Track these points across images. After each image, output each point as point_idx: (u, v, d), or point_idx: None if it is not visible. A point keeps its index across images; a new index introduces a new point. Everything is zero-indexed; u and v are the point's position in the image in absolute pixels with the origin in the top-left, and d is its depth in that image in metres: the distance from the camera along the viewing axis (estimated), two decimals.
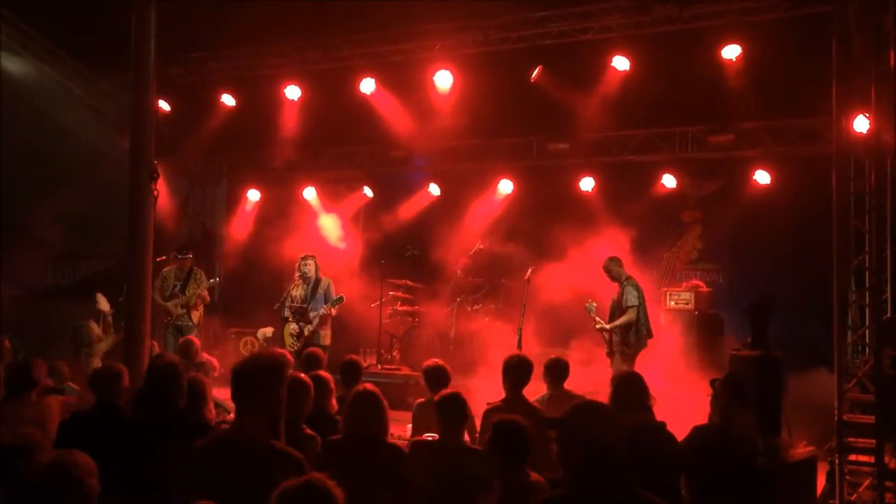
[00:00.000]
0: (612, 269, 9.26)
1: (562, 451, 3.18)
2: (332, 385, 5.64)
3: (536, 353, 9.64)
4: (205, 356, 8.64)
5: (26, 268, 11.88)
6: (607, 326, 9.01)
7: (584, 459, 3.07)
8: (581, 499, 3.12)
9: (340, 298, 9.77)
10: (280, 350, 7.38)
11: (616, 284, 9.24)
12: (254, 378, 3.41)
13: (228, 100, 11.72)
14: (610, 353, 9.09)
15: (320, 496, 2.63)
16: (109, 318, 9.26)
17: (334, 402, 5.66)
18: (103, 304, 9.30)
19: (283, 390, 3.48)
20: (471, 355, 10.22)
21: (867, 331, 7.66)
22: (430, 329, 11.31)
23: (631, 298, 9.05)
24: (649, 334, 9.02)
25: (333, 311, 9.79)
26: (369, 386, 4.82)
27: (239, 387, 3.42)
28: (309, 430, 4.89)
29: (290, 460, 3.32)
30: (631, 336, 9.01)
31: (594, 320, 9.13)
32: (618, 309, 9.12)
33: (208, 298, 10.55)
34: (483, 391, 7.12)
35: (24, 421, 4.76)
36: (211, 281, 10.63)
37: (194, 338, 9.01)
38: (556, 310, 10.19)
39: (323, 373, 5.73)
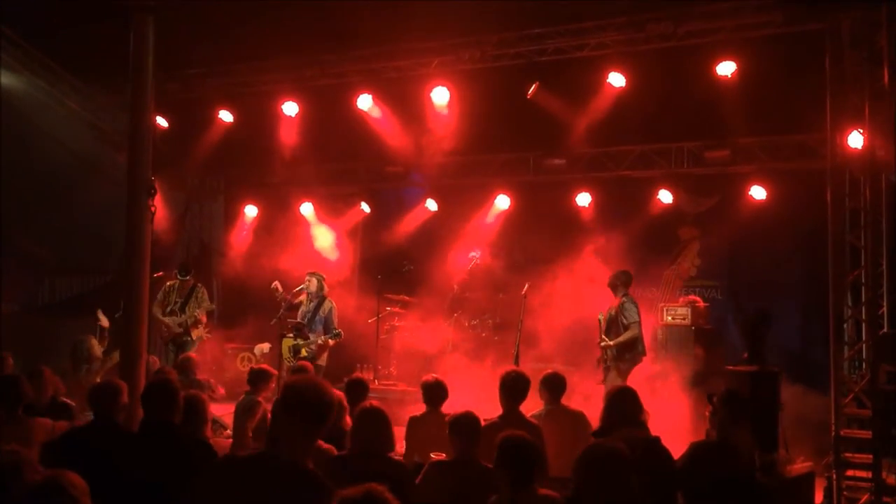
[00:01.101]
0: (619, 283, 9.31)
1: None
2: (345, 402, 5.64)
3: (533, 368, 9.66)
4: (211, 380, 8.67)
5: (22, 283, 11.87)
6: (612, 343, 9.03)
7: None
8: None
9: (339, 334, 9.73)
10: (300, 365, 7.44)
11: (612, 297, 9.29)
12: (319, 407, 3.29)
13: (226, 116, 11.74)
14: (605, 368, 9.10)
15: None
16: (107, 335, 9.27)
17: (348, 418, 5.66)
18: (104, 320, 9.30)
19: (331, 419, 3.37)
20: (468, 370, 10.21)
21: (864, 346, 7.69)
22: (427, 344, 11.28)
23: (632, 315, 9.08)
24: (643, 351, 9.05)
25: (331, 344, 9.78)
26: (375, 403, 4.83)
27: (297, 410, 3.27)
28: (324, 444, 4.91)
29: (320, 486, 3.19)
30: (627, 352, 9.04)
31: (601, 337, 9.15)
32: (614, 324, 9.14)
33: (204, 320, 10.54)
34: (480, 407, 7.10)
35: (8, 438, 4.75)
36: (209, 305, 10.61)
37: (193, 355, 9.01)
38: (553, 325, 10.19)
39: (335, 390, 5.72)
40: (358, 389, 6.39)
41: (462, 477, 4.62)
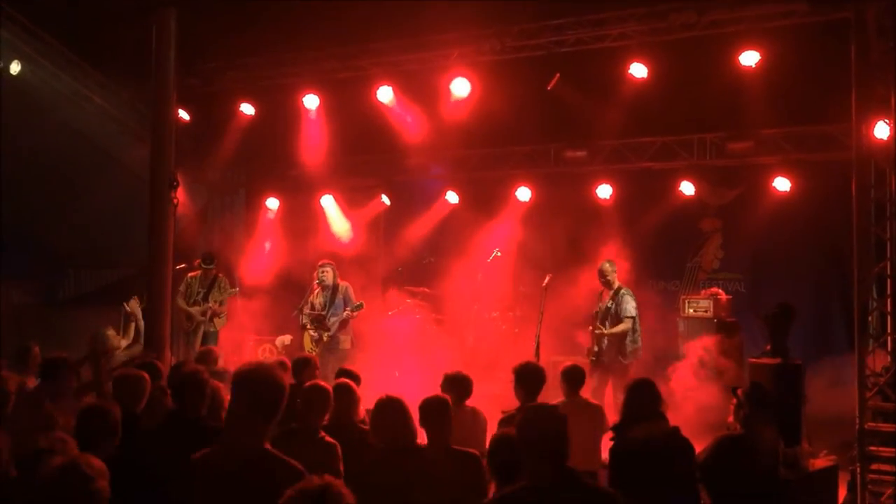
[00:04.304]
0: (609, 272, 9.30)
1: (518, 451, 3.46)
2: (358, 393, 5.63)
3: (553, 360, 9.65)
4: (231, 371, 8.69)
5: (45, 276, 12.00)
6: (606, 332, 9.00)
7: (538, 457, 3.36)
8: (532, 493, 3.34)
9: (361, 305, 9.85)
10: (278, 359, 7.44)
11: (603, 289, 9.29)
12: (259, 390, 3.33)
13: (247, 109, 11.79)
14: (596, 362, 9.03)
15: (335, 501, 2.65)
16: (133, 323, 9.30)
17: (361, 410, 5.66)
18: (134, 307, 9.30)
19: (282, 403, 3.39)
20: (488, 363, 10.21)
21: (889, 339, 7.59)
22: (448, 337, 11.28)
23: (629, 308, 9.08)
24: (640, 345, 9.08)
25: (354, 315, 9.85)
26: (393, 394, 4.81)
27: (242, 397, 3.34)
28: (329, 438, 4.90)
29: (289, 470, 3.26)
30: (628, 346, 9.02)
31: (595, 325, 9.14)
32: (609, 317, 9.12)
33: (224, 311, 10.60)
34: (500, 399, 7.11)
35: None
36: (231, 290, 10.68)
37: (213, 347, 9.07)
38: (574, 318, 10.15)
39: (349, 381, 5.72)
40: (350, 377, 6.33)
41: (431, 462, 4.59)
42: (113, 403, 4.49)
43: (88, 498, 2.85)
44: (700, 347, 9.72)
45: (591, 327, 9.17)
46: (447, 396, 4.97)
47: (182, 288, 10.41)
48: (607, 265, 9.42)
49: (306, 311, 10.00)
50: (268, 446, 3.30)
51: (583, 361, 8.55)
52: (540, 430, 3.39)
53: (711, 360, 9.43)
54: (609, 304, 9.20)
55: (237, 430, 3.33)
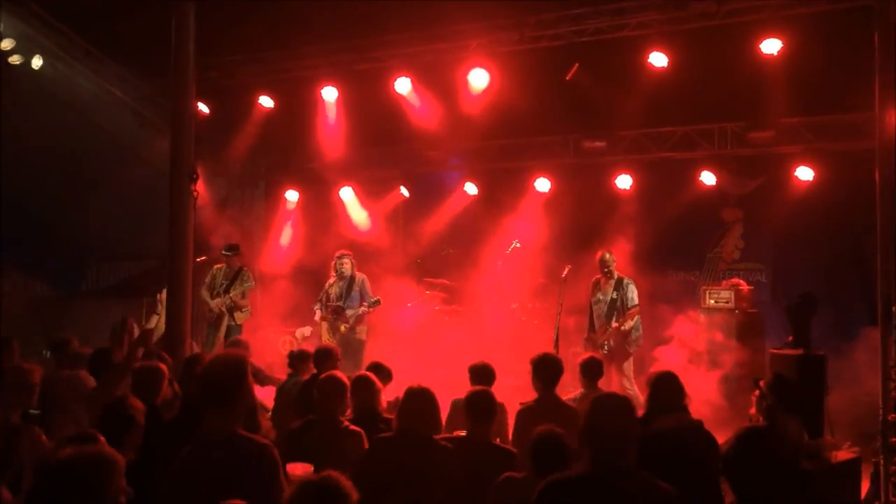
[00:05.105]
0: (611, 262, 9.32)
1: (586, 438, 3.40)
2: (379, 384, 5.66)
3: (573, 351, 9.63)
4: (260, 366, 8.72)
5: (69, 268, 12.12)
6: (625, 327, 8.99)
7: (606, 445, 3.34)
8: (591, 480, 3.33)
9: (378, 301, 9.87)
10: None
11: (600, 278, 9.28)
12: (222, 382, 3.52)
13: (266, 101, 11.83)
14: (607, 354, 8.99)
15: (335, 495, 2.69)
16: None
17: (383, 400, 5.68)
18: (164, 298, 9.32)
19: (247, 386, 3.60)
20: (508, 354, 10.20)
21: None
22: (467, 328, 11.28)
23: (635, 297, 9.09)
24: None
25: (370, 311, 9.89)
26: (424, 384, 4.83)
27: (210, 392, 3.53)
28: (352, 427, 4.94)
29: (254, 446, 3.45)
30: (632, 335, 9.02)
31: (605, 323, 9.14)
32: (614, 307, 9.10)
33: (247, 305, 10.62)
34: (520, 390, 7.10)
35: None
36: (248, 284, 10.65)
37: (241, 338, 9.07)
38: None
39: (368, 373, 5.76)
40: (379, 371, 6.38)
41: (469, 453, 4.62)
42: (134, 398, 4.53)
43: (99, 488, 2.82)
44: (721, 338, 9.72)
45: (615, 324, 9.11)
46: (492, 391, 4.99)
47: (207, 279, 10.44)
48: (609, 255, 9.43)
49: (324, 301, 10.04)
50: (239, 429, 3.49)
51: (602, 353, 8.56)
52: (610, 420, 3.37)
53: (734, 352, 9.42)
54: (613, 295, 9.19)
55: (207, 420, 3.53)
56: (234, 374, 3.55)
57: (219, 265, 10.60)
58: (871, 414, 6.96)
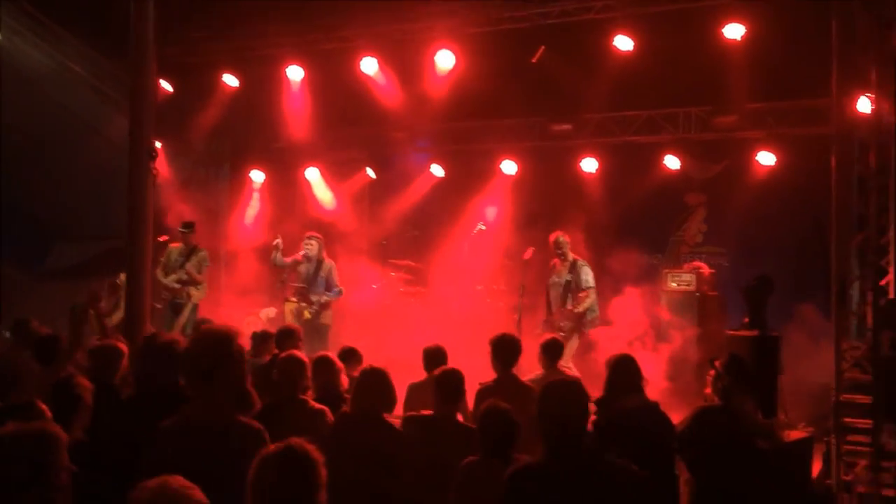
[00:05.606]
0: (565, 245, 9.39)
1: (541, 425, 3.34)
2: (340, 365, 5.69)
3: (536, 333, 9.68)
4: None
5: (28, 249, 11.92)
6: (581, 309, 9.08)
7: (560, 431, 3.30)
8: (555, 467, 3.28)
9: (340, 292, 9.91)
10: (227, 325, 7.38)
11: (555, 262, 9.36)
12: (209, 357, 3.36)
13: (230, 80, 11.68)
14: (562, 334, 9.06)
15: (300, 460, 2.67)
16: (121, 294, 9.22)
17: (344, 378, 5.71)
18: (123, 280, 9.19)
19: (240, 363, 3.45)
20: (473, 336, 10.24)
21: (868, 311, 7.64)
22: (433, 310, 11.30)
23: (590, 279, 9.17)
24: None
25: (333, 301, 9.92)
26: (377, 365, 4.87)
27: (193, 368, 3.39)
28: (316, 405, 4.97)
29: (250, 431, 3.34)
30: (587, 316, 9.11)
31: (555, 306, 9.23)
32: (570, 289, 9.19)
33: (203, 281, 10.49)
34: (486, 372, 7.13)
35: None
36: (204, 262, 10.48)
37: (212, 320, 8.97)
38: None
39: (328, 353, 5.80)
40: (352, 357, 6.44)
41: (437, 433, 4.66)
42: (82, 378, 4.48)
43: (40, 465, 2.79)
44: (682, 321, 9.82)
45: (569, 306, 9.19)
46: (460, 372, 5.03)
47: (162, 259, 10.33)
48: (562, 238, 9.50)
49: (289, 282, 10.01)
50: (227, 409, 3.36)
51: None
52: (561, 406, 3.35)
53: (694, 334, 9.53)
54: (568, 278, 9.27)
55: (195, 399, 3.39)
56: (222, 347, 3.37)
57: (174, 244, 10.48)
58: (827, 394, 7.09)
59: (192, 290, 10.27)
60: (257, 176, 13.42)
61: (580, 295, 9.18)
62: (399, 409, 6.03)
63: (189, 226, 10.53)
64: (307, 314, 9.75)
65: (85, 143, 11.63)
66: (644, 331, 9.51)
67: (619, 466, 3.31)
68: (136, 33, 7.05)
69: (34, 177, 11.62)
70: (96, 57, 11.61)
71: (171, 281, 10.21)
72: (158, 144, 9.25)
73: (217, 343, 3.40)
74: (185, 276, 10.19)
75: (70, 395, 4.21)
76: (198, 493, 2.45)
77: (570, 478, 3.25)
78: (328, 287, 9.98)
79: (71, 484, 2.85)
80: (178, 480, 2.47)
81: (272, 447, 2.77)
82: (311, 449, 2.73)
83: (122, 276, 9.18)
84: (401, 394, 6.27)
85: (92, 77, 11.74)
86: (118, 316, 9.08)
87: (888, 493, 6.30)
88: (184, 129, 12.25)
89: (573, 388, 3.48)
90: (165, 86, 11.16)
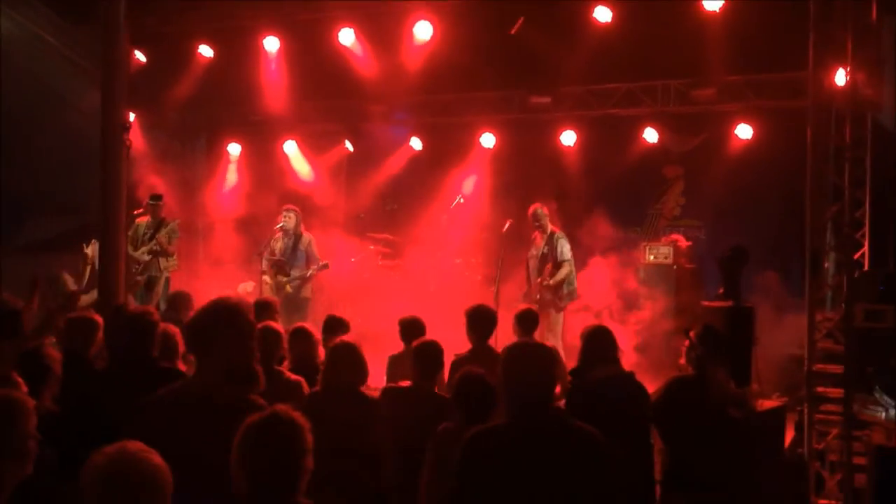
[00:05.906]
0: (543, 217, 9.42)
1: (504, 387, 3.30)
2: (317, 336, 5.68)
3: (514, 305, 9.71)
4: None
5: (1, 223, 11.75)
6: (552, 282, 9.12)
7: (521, 391, 3.24)
8: (516, 429, 3.24)
9: (326, 265, 9.83)
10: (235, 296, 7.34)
11: (535, 234, 9.39)
12: (213, 329, 3.24)
13: (206, 51, 11.50)
14: (538, 306, 9.11)
15: (286, 426, 2.68)
16: (90, 267, 9.12)
17: (321, 351, 5.71)
18: (94, 251, 9.04)
19: (246, 337, 3.28)
20: (451, 309, 10.25)
21: (843, 282, 7.70)
22: (411, 283, 11.31)
23: (567, 252, 9.22)
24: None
25: (317, 274, 9.86)
26: (348, 338, 4.88)
27: (196, 339, 3.29)
28: (293, 376, 4.97)
29: (255, 408, 3.17)
30: (564, 289, 9.16)
31: (533, 278, 9.27)
32: (545, 261, 9.23)
33: (173, 252, 10.38)
34: (459, 345, 7.15)
35: None
36: (174, 233, 10.37)
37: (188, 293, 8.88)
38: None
39: (305, 325, 5.79)
40: (335, 327, 6.42)
41: (415, 404, 4.68)
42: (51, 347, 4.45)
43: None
44: (660, 293, 9.89)
45: (539, 279, 9.24)
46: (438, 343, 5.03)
47: (130, 233, 10.18)
48: (540, 210, 9.53)
49: (266, 255, 9.94)
50: (229, 386, 3.23)
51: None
52: (524, 367, 3.26)
53: (672, 306, 9.61)
54: (545, 250, 9.30)
55: (195, 371, 3.35)
56: (224, 320, 3.21)
57: (142, 218, 10.35)
58: (799, 365, 7.18)
59: (164, 262, 10.14)
60: (234, 149, 13.30)
61: (548, 267, 9.19)
62: (381, 381, 6.09)
63: (157, 198, 10.42)
64: (289, 288, 9.70)
65: (57, 114, 11.43)
66: (617, 303, 9.58)
67: (582, 431, 3.23)
68: (108, 1, 6.93)
69: (4, 149, 11.43)
70: (68, 27, 11.39)
71: (141, 254, 10.09)
72: (132, 116, 9.16)
73: (219, 315, 3.25)
74: (156, 247, 10.07)
75: (38, 366, 4.16)
76: (156, 458, 2.39)
77: (530, 440, 3.18)
78: (309, 261, 9.92)
79: (38, 452, 2.83)
80: (136, 444, 2.42)
81: (256, 415, 2.75)
82: (297, 415, 2.74)
83: (93, 246, 9.06)
84: (381, 366, 6.35)
85: (64, 47, 11.52)
86: (90, 297, 8.94)
87: (859, 461, 6.40)
88: (158, 101, 12.07)
89: (539, 351, 3.40)
90: (139, 56, 10.98)
